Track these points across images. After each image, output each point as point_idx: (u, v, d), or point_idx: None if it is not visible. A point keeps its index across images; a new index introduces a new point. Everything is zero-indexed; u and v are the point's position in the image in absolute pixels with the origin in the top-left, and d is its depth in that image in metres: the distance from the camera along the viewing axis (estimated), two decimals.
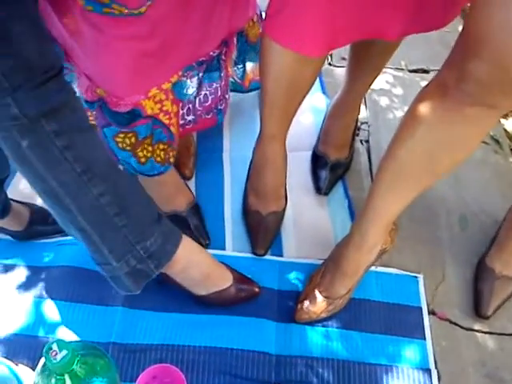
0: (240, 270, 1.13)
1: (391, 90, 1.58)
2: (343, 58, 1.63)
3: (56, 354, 0.63)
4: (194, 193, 1.29)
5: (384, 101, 1.55)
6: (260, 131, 1.17)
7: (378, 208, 1.00)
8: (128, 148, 1.06)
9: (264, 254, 1.18)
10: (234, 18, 1.07)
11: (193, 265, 1.03)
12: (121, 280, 0.97)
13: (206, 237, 1.21)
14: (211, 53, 1.07)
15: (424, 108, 0.84)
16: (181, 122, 1.14)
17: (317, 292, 1.09)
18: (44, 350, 0.64)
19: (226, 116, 1.46)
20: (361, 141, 1.42)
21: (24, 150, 0.77)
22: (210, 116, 1.19)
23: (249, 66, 1.29)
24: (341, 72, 1.61)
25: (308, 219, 1.26)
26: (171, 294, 1.09)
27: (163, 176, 1.16)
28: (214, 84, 1.14)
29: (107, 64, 0.94)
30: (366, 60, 1.17)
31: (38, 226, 1.17)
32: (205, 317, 1.08)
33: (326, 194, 1.29)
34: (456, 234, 1.28)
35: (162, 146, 1.09)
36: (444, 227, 1.29)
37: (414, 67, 1.64)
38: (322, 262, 1.14)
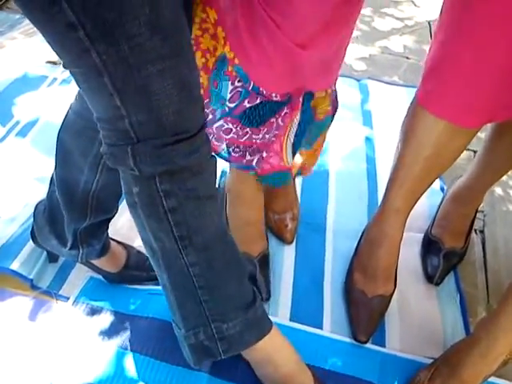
0: (337, 355, 1.04)
1: (508, 181, 1.47)
2: None
3: None
4: (293, 260, 1.22)
5: (500, 191, 1.44)
6: (382, 204, 1.10)
7: None
8: None
9: (366, 342, 1.07)
10: (313, 74, 0.94)
11: (271, 362, 0.94)
12: (184, 347, 0.92)
13: (267, 291, 1.14)
14: (273, 95, 0.92)
15: None
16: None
17: None
18: None
19: (333, 183, 1.41)
20: (475, 230, 1.31)
21: (134, 195, 0.75)
22: (217, 143, 1.02)
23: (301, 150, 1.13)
24: None
25: (416, 309, 1.14)
26: None
27: (253, 216, 1.15)
28: (248, 129, 0.97)
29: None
30: (507, 150, 1.09)
31: (133, 270, 1.13)
32: None
33: (438, 284, 1.18)
34: None
35: None
36: None
37: None
38: (429, 360, 1.02)
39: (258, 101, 0.91)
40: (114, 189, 1.00)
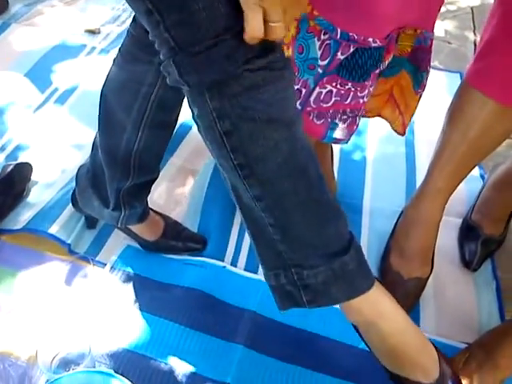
0: None
1: None
2: None
3: None
4: None
5: None
6: (423, 184, 1.09)
7: None
8: None
9: None
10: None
11: (375, 330, 0.80)
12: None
13: None
14: (370, 40, 0.81)
15: None
16: None
17: None
18: None
19: (370, 165, 1.40)
20: None
21: (196, 118, 0.70)
22: (320, 122, 0.93)
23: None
24: None
25: (451, 294, 1.13)
26: (303, 343, 1.00)
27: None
28: (350, 84, 0.87)
29: None
30: None
31: (170, 239, 1.13)
32: (336, 381, 0.97)
33: (475, 270, 1.17)
34: None
35: None
36: None
37: None
38: (463, 345, 1.01)
39: (352, 49, 0.82)
40: (156, 148, 1.01)
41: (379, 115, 1.13)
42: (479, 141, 0.97)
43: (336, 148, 1.39)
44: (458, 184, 1.06)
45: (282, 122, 0.68)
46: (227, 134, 0.67)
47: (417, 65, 0.97)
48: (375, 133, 1.50)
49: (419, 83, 1.00)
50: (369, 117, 1.13)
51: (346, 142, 1.01)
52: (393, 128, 1.13)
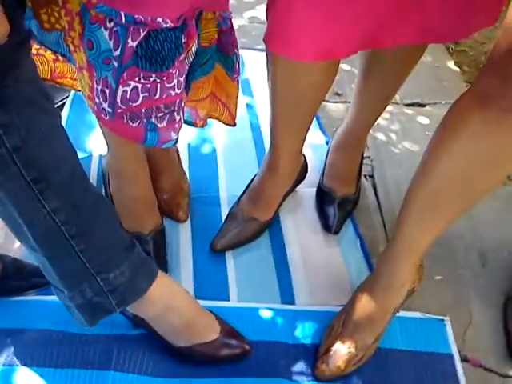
0: (248, 323, 1.00)
1: (388, 125, 1.51)
2: (337, 94, 1.57)
3: None
4: (191, 237, 1.16)
5: (382, 136, 1.47)
6: None
7: (407, 242, 0.90)
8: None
9: (219, 251, 1.13)
10: None
11: (172, 310, 0.88)
12: (73, 311, 0.83)
13: (163, 267, 1.07)
14: (160, 20, 0.74)
15: (461, 121, 0.75)
16: (96, 109, 0.88)
17: (339, 344, 0.94)
18: None
19: (221, 155, 1.37)
20: (365, 176, 1.33)
21: None
22: (135, 124, 0.86)
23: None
24: (334, 107, 1.55)
25: (319, 261, 1.13)
26: (167, 354, 0.94)
27: (138, 192, 1.08)
28: (154, 76, 0.79)
29: None
30: (372, 92, 1.11)
31: (12, 280, 1.01)
32: (215, 380, 0.92)
33: (337, 232, 1.17)
34: (477, 272, 1.17)
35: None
36: (463, 265, 1.18)
37: (409, 101, 1.59)
38: (340, 308, 1.01)
39: (143, 33, 0.75)
40: None
41: (210, 117, 1.10)
42: (287, 101, 0.98)
43: (183, 145, 1.35)
44: (298, 137, 1.09)
45: (59, 121, 0.73)
46: (16, 149, 0.65)
47: (224, 51, 0.93)
48: (221, 123, 1.48)
49: (232, 69, 0.96)
50: (202, 126, 1.10)
51: (174, 144, 0.93)
52: (223, 122, 1.10)
